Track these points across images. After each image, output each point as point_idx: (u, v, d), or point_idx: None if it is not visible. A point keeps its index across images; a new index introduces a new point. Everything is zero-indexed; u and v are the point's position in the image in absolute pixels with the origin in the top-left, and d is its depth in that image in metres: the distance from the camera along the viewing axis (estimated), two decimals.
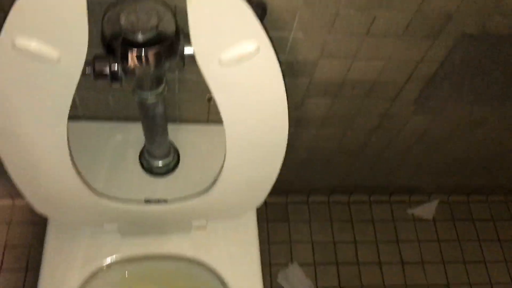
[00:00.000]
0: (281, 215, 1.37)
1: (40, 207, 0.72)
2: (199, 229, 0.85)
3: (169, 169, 0.86)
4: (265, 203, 1.36)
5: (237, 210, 0.81)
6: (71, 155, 0.65)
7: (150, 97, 0.65)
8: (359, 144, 1.08)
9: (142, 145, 0.86)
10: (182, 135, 0.88)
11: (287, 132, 0.64)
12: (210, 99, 0.86)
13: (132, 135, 0.87)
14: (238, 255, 0.86)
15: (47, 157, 0.63)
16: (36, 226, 1.25)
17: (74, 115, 0.85)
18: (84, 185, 0.68)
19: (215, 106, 0.87)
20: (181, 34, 0.55)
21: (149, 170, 0.84)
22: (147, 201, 0.76)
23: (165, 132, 0.78)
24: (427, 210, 1.42)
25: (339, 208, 1.40)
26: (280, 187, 1.32)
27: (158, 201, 0.77)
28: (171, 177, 0.84)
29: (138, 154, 0.86)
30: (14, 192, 1.24)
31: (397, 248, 1.36)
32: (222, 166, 0.70)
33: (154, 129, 0.75)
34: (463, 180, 1.35)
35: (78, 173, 0.67)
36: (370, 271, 1.32)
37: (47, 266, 0.82)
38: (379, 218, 1.40)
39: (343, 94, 0.88)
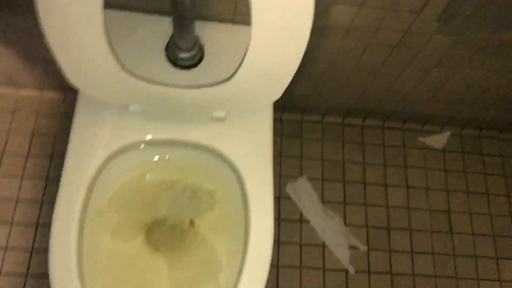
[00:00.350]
0: (295, 132, 1.41)
1: (72, 78, 0.77)
2: (218, 121, 0.90)
3: (193, 63, 0.89)
4: (281, 119, 1.41)
5: (255, 102, 0.85)
6: (105, 27, 0.69)
7: None
8: (379, 61, 1.10)
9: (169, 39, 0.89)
10: (209, 33, 0.91)
11: (311, 18, 0.67)
12: None
13: (160, 28, 0.90)
14: (253, 148, 0.91)
15: (82, 26, 0.67)
16: (61, 119, 1.32)
17: (107, 3, 0.88)
18: (114, 58, 0.72)
19: (242, 5, 0.90)
20: None
21: (174, 61, 0.88)
22: (171, 85, 0.81)
23: (192, 21, 0.81)
24: (438, 140, 1.45)
25: (352, 131, 1.44)
26: (297, 104, 1.36)
27: (181, 87, 0.81)
28: (194, 70, 0.88)
29: (164, 46, 0.89)
30: (43, 84, 1.30)
31: (404, 173, 1.41)
32: (245, 54, 0.74)
33: (183, 15, 0.77)
34: (477, 113, 1.37)
35: (110, 46, 0.71)
36: (375, 192, 1.38)
37: (74, 141, 0.88)
38: (390, 144, 1.44)
39: (369, 3, 0.89)
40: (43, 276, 1.17)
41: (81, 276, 0.80)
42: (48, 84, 1.29)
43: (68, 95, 1.34)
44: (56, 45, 0.70)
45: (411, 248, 1.33)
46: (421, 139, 1.45)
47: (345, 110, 1.39)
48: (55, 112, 1.33)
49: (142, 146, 0.91)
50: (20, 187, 1.24)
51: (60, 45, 0.71)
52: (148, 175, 1.00)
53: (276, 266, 1.26)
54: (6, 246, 1.19)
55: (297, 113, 1.42)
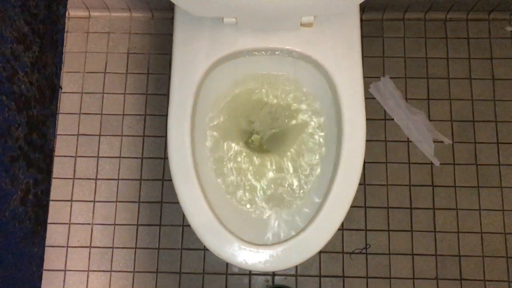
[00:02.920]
0: (376, 31, 1.42)
1: None
2: (306, 26, 0.94)
3: None
4: (361, 19, 1.41)
5: (344, 4, 0.87)
6: None
7: None
8: None
9: None
10: None
11: None
12: None
13: None
14: (342, 51, 0.95)
15: None
16: (152, 36, 1.40)
17: None
18: None
19: None
20: None
21: None
22: None
23: None
24: None
25: (435, 26, 1.41)
26: (378, 3, 1.35)
27: None
28: None
29: None
30: (131, 5, 1.37)
31: (489, 65, 1.39)
32: None
33: None
34: None
35: None
36: (460, 85, 1.38)
37: (177, 56, 0.96)
38: (475, 36, 1.40)
39: None
40: (153, 179, 1.33)
41: (198, 178, 0.92)
42: (136, 5, 1.37)
43: (155, 14, 1.41)
44: None
45: (497, 139, 1.35)
46: (509, 28, 1.40)
47: (427, 4, 1.36)
48: (146, 31, 1.41)
49: (237, 56, 0.98)
50: (124, 102, 1.37)
51: None
52: (241, 85, 1.07)
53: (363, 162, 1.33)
54: (120, 155, 1.35)
55: (377, 12, 1.41)
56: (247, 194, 1.04)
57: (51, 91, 0.95)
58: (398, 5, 1.37)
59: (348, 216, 1.31)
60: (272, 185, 1.04)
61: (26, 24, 0.85)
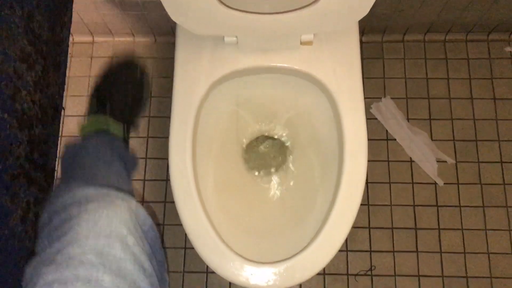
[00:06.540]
0: (376, 53, 1.43)
1: (173, 14, 0.84)
2: (306, 45, 0.95)
3: None
4: (361, 42, 1.43)
5: (342, 21, 0.88)
6: None
7: None
8: None
9: None
10: None
11: None
12: None
13: None
14: (342, 68, 0.96)
15: None
16: (155, 60, 1.42)
17: None
18: None
19: None
20: None
21: None
22: (262, 13, 0.86)
23: None
24: None
25: (435, 47, 1.43)
26: (377, 25, 1.37)
27: (271, 13, 0.86)
28: None
29: None
30: (135, 30, 1.40)
31: (490, 84, 1.39)
32: None
33: None
34: None
35: None
36: (461, 105, 1.38)
37: (178, 75, 0.97)
38: (475, 57, 1.41)
39: None
40: (156, 202, 1.32)
41: (200, 198, 0.91)
42: (139, 30, 1.39)
43: (157, 38, 1.43)
44: None
45: (501, 158, 1.34)
46: (508, 48, 1.41)
47: (426, 26, 1.37)
48: (149, 55, 1.43)
49: (238, 75, 0.98)
50: None
51: None
52: (243, 106, 1.07)
53: (366, 182, 1.32)
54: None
55: (377, 34, 1.43)
56: (250, 211, 1.03)
57: (53, 111, 0.96)
58: (397, 27, 1.38)
59: (352, 237, 1.29)
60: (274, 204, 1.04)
61: (29, 44, 0.86)
